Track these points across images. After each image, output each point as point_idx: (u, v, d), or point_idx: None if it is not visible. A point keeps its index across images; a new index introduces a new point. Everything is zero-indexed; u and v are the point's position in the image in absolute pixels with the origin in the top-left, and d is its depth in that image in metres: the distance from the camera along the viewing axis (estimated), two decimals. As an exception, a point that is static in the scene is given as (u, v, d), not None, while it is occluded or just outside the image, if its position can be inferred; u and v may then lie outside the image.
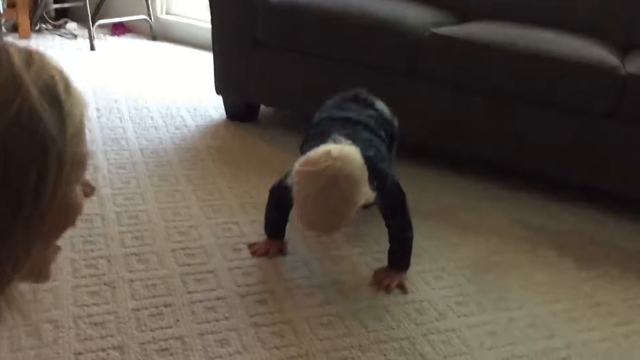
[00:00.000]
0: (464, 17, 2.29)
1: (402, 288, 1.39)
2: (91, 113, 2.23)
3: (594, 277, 1.53)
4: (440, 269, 1.49)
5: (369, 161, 1.27)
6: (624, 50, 2.10)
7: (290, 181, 1.26)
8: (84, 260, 1.35)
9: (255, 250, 1.47)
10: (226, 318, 1.22)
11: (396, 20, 1.94)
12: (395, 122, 1.59)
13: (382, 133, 1.49)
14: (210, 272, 1.37)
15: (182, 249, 1.45)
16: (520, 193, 1.95)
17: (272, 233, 1.49)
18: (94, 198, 1.60)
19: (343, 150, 1.25)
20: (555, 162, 1.86)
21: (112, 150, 1.94)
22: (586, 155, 1.81)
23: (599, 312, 1.38)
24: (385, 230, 1.42)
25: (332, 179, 1.19)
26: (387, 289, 1.37)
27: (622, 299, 1.44)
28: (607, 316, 1.37)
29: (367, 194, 1.24)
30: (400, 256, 1.42)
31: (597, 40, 2.07)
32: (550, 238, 1.69)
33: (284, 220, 1.48)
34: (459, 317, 1.31)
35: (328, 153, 1.23)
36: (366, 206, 1.38)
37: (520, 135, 1.87)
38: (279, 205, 1.44)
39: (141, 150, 1.97)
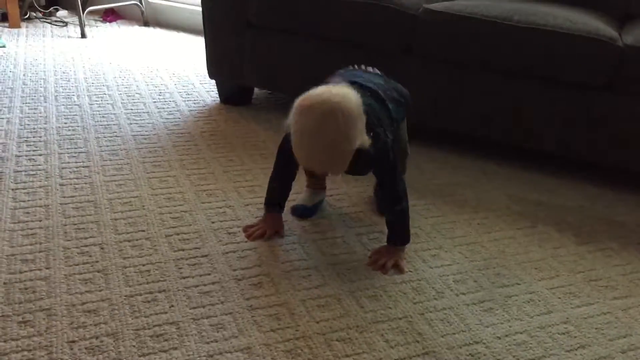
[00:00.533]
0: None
1: (397, 268, 1.37)
2: (83, 100, 2.21)
3: (593, 251, 1.52)
4: (438, 247, 1.48)
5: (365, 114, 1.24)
6: (621, 21, 2.07)
7: (288, 120, 1.24)
8: (77, 247, 1.34)
9: (250, 233, 1.45)
10: (221, 302, 1.21)
11: (388, -3, 1.91)
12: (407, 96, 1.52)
13: (390, 105, 1.41)
14: (205, 256, 1.36)
15: (176, 234, 1.43)
16: (518, 169, 1.93)
17: (271, 205, 1.47)
18: (85, 185, 1.60)
19: (343, 88, 1.24)
20: (553, 137, 1.83)
21: (105, 137, 1.92)
22: (585, 128, 1.79)
23: (598, 286, 1.37)
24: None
25: (329, 112, 1.17)
26: (383, 269, 1.36)
27: (622, 272, 1.43)
28: (606, 290, 1.36)
29: (363, 136, 1.21)
30: (394, 231, 1.40)
31: (594, 11, 2.04)
32: (549, 214, 1.68)
33: (287, 188, 1.46)
34: (457, 295, 1.30)
35: (327, 89, 1.23)
36: (359, 172, 1.38)
37: (518, 110, 1.85)
38: (287, 165, 1.41)
39: (134, 136, 1.95)
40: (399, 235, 1.40)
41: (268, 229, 1.45)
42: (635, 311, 1.29)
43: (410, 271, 1.38)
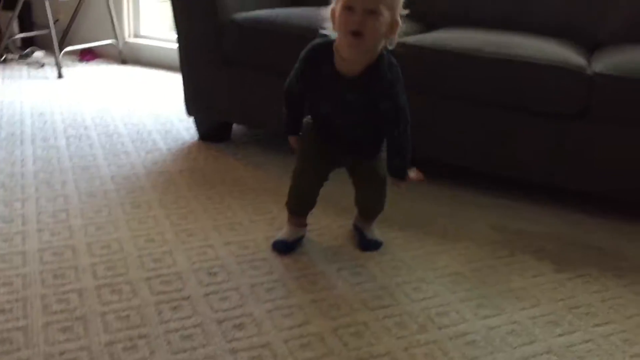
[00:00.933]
0: (430, 25, 2.31)
1: (418, 181, 1.48)
2: (60, 142, 2.20)
3: (573, 278, 1.53)
4: (419, 280, 1.48)
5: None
6: (590, 49, 2.12)
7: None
8: (55, 295, 1.32)
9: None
10: (203, 346, 1.20)
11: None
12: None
13: None
14: (186, 298, 1.34)
15: (157, 276, 1.42)
16: (496, 198, 1.95)
17: (290, 130, 1.57)
18: (63, 229, 1.58)
19: None
20: (529, 165, 1.86)
21: (83, 179, 1.91)
22: (559, 156, 1.81)
23: (579, 313, 1.38)
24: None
25: None
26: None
27: (601, 299, 1.44)
28: (587, 317, 1.37)
29: (400, 3, 1.33)
30: (398, 156, 1.46)
31: (564, 40, 2.09)
32: (528, 242, 1.69)
33: (300, 116, 1.56)
34: (439, 328, 1.30)
35: None
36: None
37: (494, 139, 1.87)
38: (292, 105, 1.54)
39: (112, 177, 1.94)
40: (403, 164, 1.47)
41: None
42: (616, 338, 1.30)
43: (393, 305, 1.37)
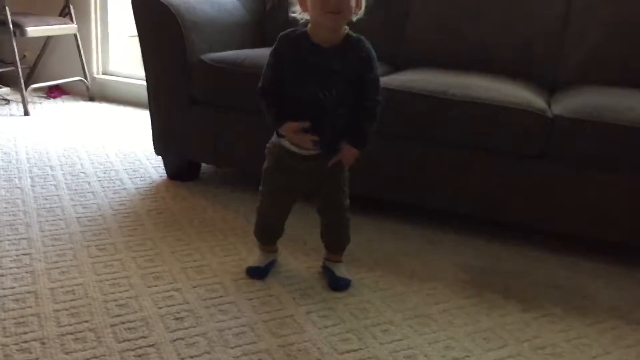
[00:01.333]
0: (396, 66, 2.36)
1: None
2: (25, 183, 2.17)
3: (538, 317, 1.55)
4: (388, 322, 1.48)
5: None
6: (550, 89, 2.20)
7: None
8: (16, 344, 1.28)
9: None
10: (169, 395, 1.18)
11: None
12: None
13: None
14: (152, 345, 1.32)
15: (122, 322, 1.39)
16: (463, 237, 1.98)
17: (279, 120, 1.49)
18: (26, 274, 1.55)
19: None
20: (492, 205, 1.89)
21: (47, 221, 1.88)
22: (523, 195, 1.85)
23: (544, 354, 1.39)
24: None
25: None
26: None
27: (566, 338, 1.46)
28: (552, 358, 1.38)
29: None
30: (361, 129, 1.50)
31: (525, 80, 2.16)
32: (494, 280, 1.72)
33: (283, 104, 1.50)
34: (408, 372, 1.30)
35: None
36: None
37: (458, 179, 1.91)
38: (271, 99, 1.50)
39: (78, 218, 1.91)
40: (362, 136, 1.50)
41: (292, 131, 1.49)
42: (581, 378, 1.32)
43: (362, 348, 1.37)
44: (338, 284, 1.62)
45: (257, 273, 1.64)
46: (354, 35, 1.47)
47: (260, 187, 1.61)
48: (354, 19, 1.45)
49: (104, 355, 1.27)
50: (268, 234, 1.66)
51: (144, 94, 2.84)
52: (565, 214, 1.83)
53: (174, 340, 1.34)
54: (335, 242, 1.66)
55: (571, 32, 2.26)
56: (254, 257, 1.69)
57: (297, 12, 1.46)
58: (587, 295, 1.67)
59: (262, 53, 2.13)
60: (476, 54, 2.32)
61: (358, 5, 1.43)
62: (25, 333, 1.32)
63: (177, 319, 1.43)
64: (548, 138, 1.79)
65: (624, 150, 1.72)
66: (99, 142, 2.69)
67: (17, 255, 1.66)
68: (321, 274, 1.67)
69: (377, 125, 1.51)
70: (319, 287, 1.62)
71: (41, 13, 3.32)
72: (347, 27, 1.45)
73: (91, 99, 3.45)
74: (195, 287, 1.57)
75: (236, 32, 2.39)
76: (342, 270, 1.66)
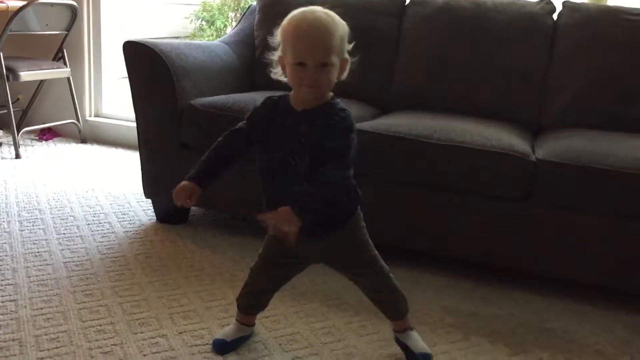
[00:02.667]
0: (384, 109, 2.40)
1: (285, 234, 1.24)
2: (13, 227, 2.17)
3: (525, 362, 1.55)
4: (374, 368, 1.48)
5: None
6: (535, 132, 2.24)
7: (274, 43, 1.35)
8: (-2, 394, 1.27)
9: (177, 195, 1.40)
10: None
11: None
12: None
13: None
14: (135, 394, 1.31)
15: (106, 371, 1.39)
16: (450, 279, 1.98)
17: (195, 175, 1.41)
18: (11, 321, 1.54)
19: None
20: (479, 246, 1.91)
21: (34, 266, 1.88)
22: (509, 237, 1.87)
23: (531, 400, 1.39)
24: (316, 327, 1.44)
25: (318, 11, 1.30)
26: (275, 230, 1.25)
27: (553, 384, 1.46)
28: (539, 404, 1.38)
29: (345, 42, 1.32)
30: (304, 195, 1.26)
31: (510, 123, 2.21)
32: (481, 324, 1.72)
33: (216, 167, 1.44)
34: (393, 420, 1.30)
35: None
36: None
37: (443, 222, 1.92)
38: (223, 144, 1.45)
39: (65, 263, 1.91)
40: (303, 197, 1.26)
41: (175, 196, 1.38)
42: None
43: (347, 395, 1.37)
44: None
45: (219, 347, 1.49)
46: (337, 103, 1.34)
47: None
48: (341, 79, 1.35)
49: (87, 405, 1.26)
50: (251, 301, 1.54)
51: (135, 135, 2.87)
52: (552, 255, 1.84)
53: (158, 389, 1.34)
54: (384, 304, 1.51)
55: (552, 81, 2.32)
56: (223, 328, 1.58)
57: (279, 74, 1.37)
58: (574, 339, 1.68)
59: (252, 97, 2.18)
60: (462, 98, 2.38)
61: (342, 71, 1.34)
62: (8, 382, 1.32)
63: (161, 366, 1.42)
64: (531, 182, 1.82)
65: (604, 194, 1.75)
66: (89, 185, 2.70)
67: (2, 302, 1.65)
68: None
69: (324, 205, 1.30)
70: (305, 332, 1.62)
71: (35, 57, 3.37)
72: (331, 94, 1.35)
73: (83, 141, 3.47)
74: (181, 332, 1.57)
75: (226, 77, 2.43)
76: (417, 342, 1.50)
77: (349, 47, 1.34)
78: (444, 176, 1.89)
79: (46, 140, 3.46)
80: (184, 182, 1.40)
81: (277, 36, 1.34)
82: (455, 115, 2.22)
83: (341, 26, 1.31)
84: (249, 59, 2.60)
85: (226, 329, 1.55)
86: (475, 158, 1.85)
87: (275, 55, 1.36)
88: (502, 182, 1.84)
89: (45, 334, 1.51)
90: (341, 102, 1.35)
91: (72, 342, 1.49)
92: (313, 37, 1.28)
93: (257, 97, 2.15)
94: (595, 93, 2.25)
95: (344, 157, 1.30)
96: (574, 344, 1.65)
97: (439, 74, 2.42)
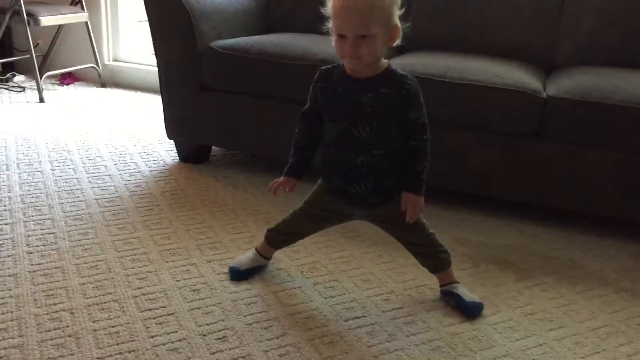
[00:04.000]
0: (399, 50, 2.44)
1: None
2: (45, 167, 2.28)
3: (531, 286, 1.65)
4: (389, 292, 1.59)
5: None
6: (547, 70, 2.28)
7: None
8: (47, 314, 1.40)
9: (272, 187, 1.50)
10: (189, 358, 1.29)
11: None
12: None
13: None
14: (171, 314, 1.44)
15: (143, 294, 1.51)
16: (462, 213, 2.07)
17: (291, 170, 1.50)
18: (52, 251, 1.67)
19: None
20: (488, 182, 1.99)
21: (68, 202, 1.99)
22: (519, 172, 1.95)
23: (535, 319, 1.50)
24: (334, 256, 1.50)
25: None
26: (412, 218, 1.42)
27: (556, 305, 1.56)
28: (542, 323, 1.49)
29: (394, 10, 1.32)
30: (416, 172, 1.42)
31: (523, 62, 2.24)
32: (490, 253, 1.82)
33: (308, 154, 1.50)
34: (407, 336, 1.41)
35: None
36: None
37: (457, 158, 2.00)
38: (308, 130, 1.49)
39: (97, 200, 2.03)
40: (415, 178, 1.42)
41: (287, 184, 1.49)
42: (568, 341, 1.42)
43: (365, 316, 1.48)
44: (467, 311, 1.50)
45: (233, 274, 1.60)
46: (399, 71, 1.37)
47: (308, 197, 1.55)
48: (391, 45, 1.35)
49: (128, 323, 1.39)
50: (282, 238, 1.62)
51: (153, 79, 2.94)
52: (560, 190, 1.92)
53: (191, 310, 1.46)
54: (428, 259, 1.56)
55: (566, 19, 2.34)
56: (240, 255, 1.68)
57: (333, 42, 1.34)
58: (579, 266, 1.77)
59: (269, 39, 2.23)
60: (476, 38, 2.41)
61: (392, 39, 1.33)
62: (55, 304, 1.44)
63: (193, 290, 1.54)
64: (542, 118, 1.88)
65: (612, 129, 1.81)
66: (112, 127, 2.79)
67: (42, 234, 1.77)
68: (325, 245, 1.77)
69: (428, 164, 1.44)
70: (324, 260, 1.73)
71: (53, 2, 3.42)
72: (386, 61, 1.37)
73: (103, 85, 3.55)
74: (209, 261, 1.68)
75: (242, 19, 2.48)
76: (464, 292, 1.53)
77: (400, 12, 1.33)
78: (456, 113, 1.95)
79: (67, 84, 3.54)
80: (282, 178, 1.51)
81: (328, 8, 1.34)
82: (469, 54, 2.26)
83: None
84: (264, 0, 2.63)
85: (241, 258, 1.64)
86: (487, 95, 1.90)
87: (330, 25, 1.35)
88: (513, 119, 1.90)
89: (85, 263, 1.63)
90: (399, 69, 1.38)
91: (110, 269, 1.61)
92: (351, 9, 1.27)
93: (273, 40, 2.22)
94: (608, 29, 2.27)
95: (426, 125, 1.40)
96: (578, 270, 1.75)
97: (453, 13, 2.44)
